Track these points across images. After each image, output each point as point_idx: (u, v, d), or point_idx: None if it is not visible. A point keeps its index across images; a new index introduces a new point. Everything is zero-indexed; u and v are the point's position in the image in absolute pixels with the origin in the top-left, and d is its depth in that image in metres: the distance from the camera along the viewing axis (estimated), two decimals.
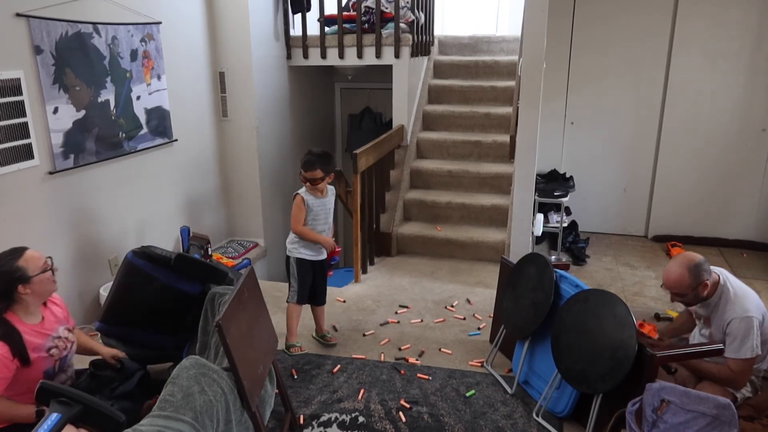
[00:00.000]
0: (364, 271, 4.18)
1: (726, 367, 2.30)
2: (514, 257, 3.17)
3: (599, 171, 4.95)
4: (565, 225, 4.63)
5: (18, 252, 2.06)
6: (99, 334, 2.66)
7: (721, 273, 2.38)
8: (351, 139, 5.83)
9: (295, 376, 2.79)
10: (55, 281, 2.15)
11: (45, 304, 2.18)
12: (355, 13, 4.63)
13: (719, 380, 2.33)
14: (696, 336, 2.56)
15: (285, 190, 5.03)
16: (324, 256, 3.07)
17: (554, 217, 4.66)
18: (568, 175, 4.90)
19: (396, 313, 3.48)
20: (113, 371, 2.34)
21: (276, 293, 3.77)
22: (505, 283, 2.90)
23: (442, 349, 3.04)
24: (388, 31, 4.62)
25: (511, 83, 5.05)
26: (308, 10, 4.80)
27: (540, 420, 2.44)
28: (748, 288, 2.39)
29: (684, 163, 4.73)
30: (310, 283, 3.04)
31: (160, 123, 3.70)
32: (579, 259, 4.48)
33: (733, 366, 2.28)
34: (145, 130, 3.57)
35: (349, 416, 2.48)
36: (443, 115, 5.17)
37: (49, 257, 2.15)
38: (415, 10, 4.77)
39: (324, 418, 2.47)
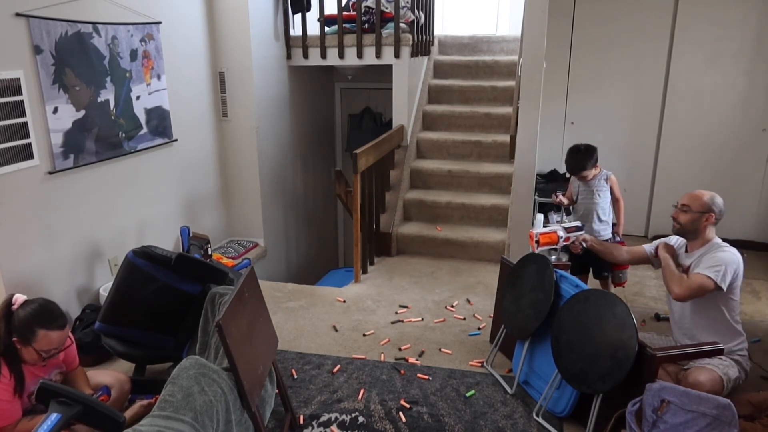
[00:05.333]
0: (364, 271, 4.18)
1: (684, 273, 2.45)
2: (514, 257, 3.17)
3: None
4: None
5: (51, 323, 2.01)
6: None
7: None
8: (351, 139, 5.83)
9: (295, 376, 2.79)
10: (43, 362, 2.06)
11: None
12: (355, 13, 4.63)
13: (668, 277, 2.47)
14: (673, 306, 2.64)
15: (285, 190, 5.03)
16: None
17: (554, 217, 4.65)
18: (568, 176, 4.89)
19: (396, 313, 3.48)
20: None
21: (276, 293, 3.77)
22: (505, 283, 2.90)
23: (442, 349, 3.04)
24: (388, 31, 4.62)
25: (511, 83, 5.05)
26: (308, 10, 4.80)
27: (540, 420, 2.43)
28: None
29: (684, 163, 4.73)
30: None
31: (160, 123, 3.70)
32: None
33: (692, 276, 2.39)
34: (144, 130, 3.57)
35: (349, 416, 2.48)
36: (443, 115, 5.17)
37: (58, 349, 2.08)
38: (415, 10, 4.77)
39: (324, 418, 2.47)
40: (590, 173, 3.36)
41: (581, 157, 3.34)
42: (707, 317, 2.46)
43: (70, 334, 2.21)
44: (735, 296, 2.42)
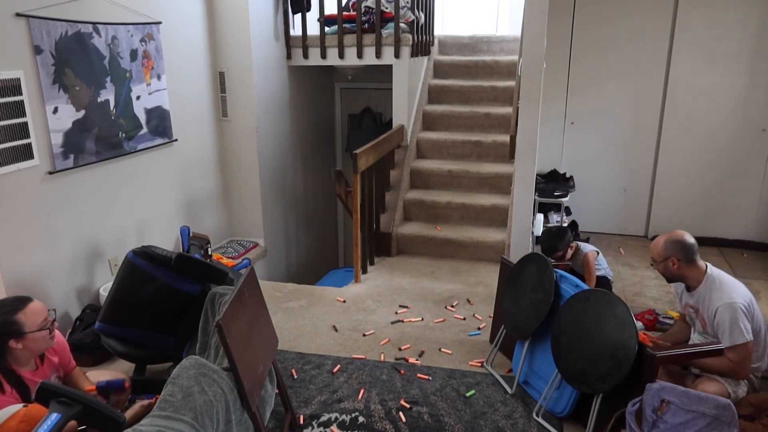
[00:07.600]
0: (364, 271, 4.18)
1: (726, 359, 2.30)
2: (514, 257, 3.17)
3: (599, 171, 4.96)
4: (565, 225, 4.63)
5: (21, 303, 2.02)
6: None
7: (708, 265, 2.46)
8: (351, 139, 5.83)
9: (295, 376, 2.79)
10: (52, 338, 2.08)
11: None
12: (355, 13, 4.63)
13: (722, 373, 2.34)
14: (694, 341, 2.56)
15: (285, 190, 5.03)
16: None
17: (554, 217, 4.66)
18: (568, 175, 4.90)
19: (396, 313, 3.48)
20: None
21: (276, 293, 3.77)
22: (505, 283, 2.90)
23: (442, 349, 3.04)
24: (388, 31, 4.62)
25: (511, 83, 5.05)
26: (308, 10, 4.80)
27: (540, 420, 2.43)
28: (734, 279, 2.42)
29: (684, 163, 4.73)
30: None
31: (160, 123, 3.70)
32: None
33: (731, 355, 2.29)
34: (144, 130, 3.57)
35: (349, 416, 2.48)
36: (443, 115, 5.17)
37: (53, 310, 2.11)
38: (415, 10, 4.76)
39: (324, 418, 2.47)
40: (564, 254, 3.47)
41: (553, 238, 3.48)
42: None
43: (60, 336, 2.20)
44: (759, 323, 2.34)
